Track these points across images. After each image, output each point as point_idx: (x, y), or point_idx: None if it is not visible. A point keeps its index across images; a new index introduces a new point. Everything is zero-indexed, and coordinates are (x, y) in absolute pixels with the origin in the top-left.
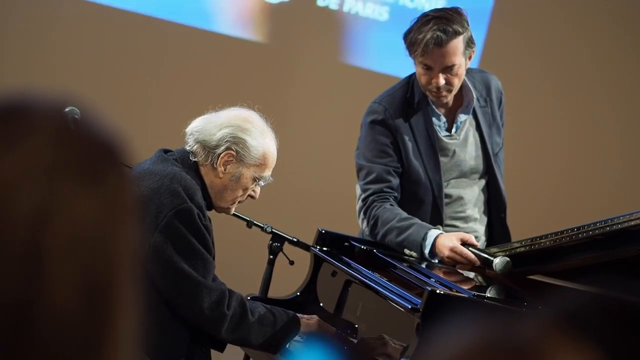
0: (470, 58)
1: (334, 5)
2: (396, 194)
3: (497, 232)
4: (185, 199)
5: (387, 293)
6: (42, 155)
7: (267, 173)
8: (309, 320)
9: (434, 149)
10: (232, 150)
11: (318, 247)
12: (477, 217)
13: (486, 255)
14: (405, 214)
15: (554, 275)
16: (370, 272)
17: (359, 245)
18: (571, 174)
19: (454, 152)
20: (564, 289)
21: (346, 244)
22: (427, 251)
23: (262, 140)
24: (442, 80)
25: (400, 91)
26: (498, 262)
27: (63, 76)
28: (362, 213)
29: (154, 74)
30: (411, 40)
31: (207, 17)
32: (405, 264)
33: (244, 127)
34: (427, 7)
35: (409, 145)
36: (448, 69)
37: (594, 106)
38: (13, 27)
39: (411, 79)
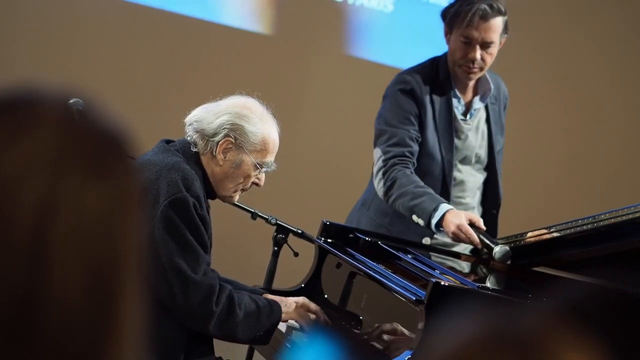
0: (501, 44)
1: None
2: (415, 161)
3: (486, 227)
4: (181, 188)
5: (391, 285)
6: (47, 147)
7: (269, 159)
8: (287, 308)
9: (451, 128)
10: (231, 137)
11: (323, 238)
12: (474, 207)
13: (488, 242)
14: (422, 183)
15: (559, 267)
16: (374, 264)
17: (364, 237)
18: (571, 168)
19: (467, 136)
20: (568, 281)
21: (351, 235)
22: (434, 221)
23: (261, 126)
24: (478, 55)
25: (426, 68)
26: (498, 250)
27: (67, 68)
28: (380, 173)
29: (159, 66)
30: (457, 11)
31: (212, 8)
32: (409, 256)
33: (242, 114)
34: (432, 0)
35: (429, 120)
36: (486, 45)
37: (594, 99)
38: (18, 19)
39: (436, 60)
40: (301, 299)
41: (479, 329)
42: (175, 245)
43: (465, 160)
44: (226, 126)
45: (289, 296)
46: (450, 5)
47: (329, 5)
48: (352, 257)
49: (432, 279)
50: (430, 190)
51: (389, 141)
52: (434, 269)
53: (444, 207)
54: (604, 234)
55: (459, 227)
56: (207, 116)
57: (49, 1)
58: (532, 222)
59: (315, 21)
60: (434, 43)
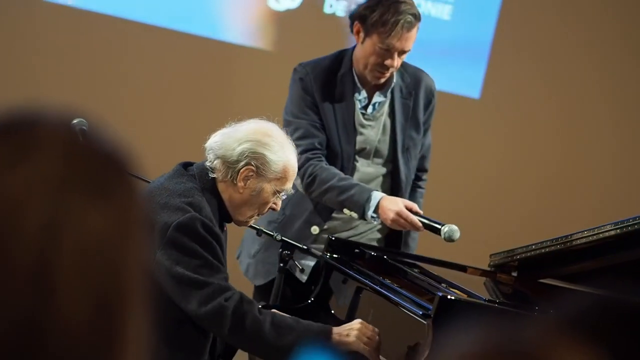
0: None
1: (340, 12)
2: (325, 151)
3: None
4: (190, 210)
5: (398, 299)
6: (51, 167)
7: (288, 186)
8: (346, 336)
9: (351, 121)
10: (252, 165)
11: (328, 254)
12: None
13: (433, 224)
14: (343, 174)
15: (566, 278)
16: (381, 278)
17: (369, 252)
18: (568, 177)
19: (366, 129)
20: (575, 292)
21: (356, 250)
22: (370, 212)
23: (282, 153)
24: (395, 62)
25: (327, 61)
26: (447, 230)
27: (70, 88)
28: None
29: (162, 83)
30: (382, 19)
31: (214, 25)
32: (416, 270)
33: (264, 142)
34: (434, 13)
35: (327, 112)
36: (403, 53)
37: (590, 109)
38: (23, 38)
39: (341, 55)
40: (357, 324)
41: (486, 342)
42: (185, 261)
43: (363, 153)
44: (248, 154)
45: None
46: (371, 9)
47: (331, 20)
48: (358, 272)
49: (438, 293)
50: (355, 181)
51: (296, 133)
52: (440, 283)
53: (376, 196)
54: (611, 244)
55: (398, 214)
56: (228, 142)
57: (56, 21)
58: (534, 233)
59: (317, 37)
60: (433, 57)
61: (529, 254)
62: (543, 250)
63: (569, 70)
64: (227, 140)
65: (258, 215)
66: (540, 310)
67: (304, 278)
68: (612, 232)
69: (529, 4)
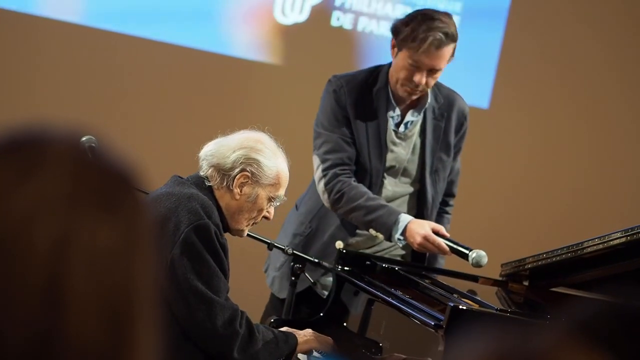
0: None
1: (348, 25)
2: (354, 167)
3: None
4: (203, 216)
5: (409, 310)
6: (58, 184)
7: (281, 192)
8: (305, 336)
9: (383, 138)
10: (247, 171)
11: (339, 266)
12: None
13: (460, 248)
14: (372, 194)
15: (577, 286)
16: (392, 290)
17: (380, 264)
18: (589, 179)
19: (397, 147)
20: (586, 300)
21: (367, 262)
22: (397, 235)
23: (275, 160)
24: (424, 79)
25: (362, 75)
26: (475, 256)
27: (79, 106)
28: (322, 184)
29: (170, 99)
30: (413, 35)
31: (221, 41)
32: (427, 281)
33: (257, 148)
34: None
35: (359, 127)
36: (433, 72)
37: (611, 109)
38: (31, 56)
39: (377, 70)
40: (310, 331)
41: (498, 351)
42: (199, 270)
43: (391, 171)
44: (242, 160)
45: (309, 325)
46: (405, 23)
47: (338, 33)
48: (370, 284)
49: (450, 303)
50: (383, 202)
51: (325, 146)
52: (452, 293)
53: (404, 219)
54: (622, 251)
55: (425, 238)
56: (221, 150)
57: (65, 38)
58: (547, 242)
59: (325, 49)
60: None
61: (539, 263)
62: (554, 259)
63: (579, 77)
64: (220, 148)
65: (253, 223)
66: (552, 319)
67: (324, 293)
68: (622, 240)
69: (537, 12)
